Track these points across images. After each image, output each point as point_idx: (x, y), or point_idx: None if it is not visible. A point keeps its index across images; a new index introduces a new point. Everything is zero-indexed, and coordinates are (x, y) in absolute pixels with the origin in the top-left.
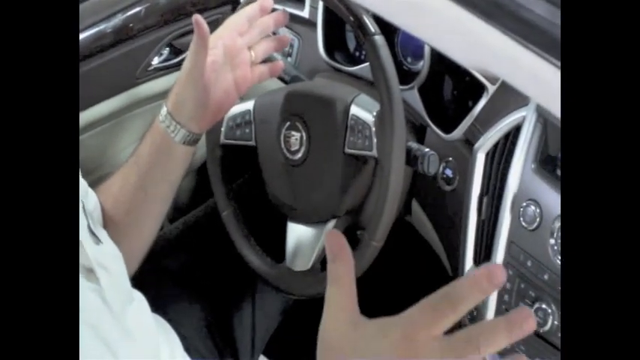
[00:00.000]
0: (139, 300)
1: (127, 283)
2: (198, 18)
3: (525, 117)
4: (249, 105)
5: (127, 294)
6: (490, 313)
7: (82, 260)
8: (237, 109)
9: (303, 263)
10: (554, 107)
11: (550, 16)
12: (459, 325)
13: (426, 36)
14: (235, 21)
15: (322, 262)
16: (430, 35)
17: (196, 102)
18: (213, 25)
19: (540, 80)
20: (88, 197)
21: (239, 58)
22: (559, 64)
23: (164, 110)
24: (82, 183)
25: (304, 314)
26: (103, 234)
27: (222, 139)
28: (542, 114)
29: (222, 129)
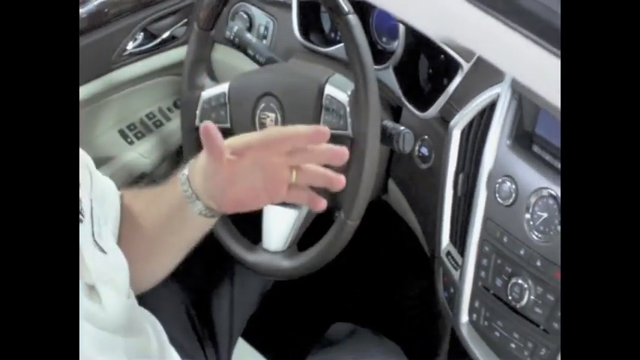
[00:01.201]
0: (132, 299)
1: (131, 296)
2: (209, 127)
3: (500, 94)
4: (224, 87)
5: (128, 309)
6: (467, 290)
7: (83, 277)
8: (212, 91)
9: (279, 244)
10: (524, 77)
11: None
12: (436, 301)
13: (395, 8)
14: (276, 137)
15: (299, 243)
16: (399, 7)
17: (211, 191)
18: (189, 10)
19: (509, 50)
20: (105, 200)
21: (275, 174)
22: (527, 33)
23: (185, 173)
24: (104, 182)
25: (283, 296)
26: (109, 243)
27: (198, 122)
28: (516, 90)
29: (198, 112)
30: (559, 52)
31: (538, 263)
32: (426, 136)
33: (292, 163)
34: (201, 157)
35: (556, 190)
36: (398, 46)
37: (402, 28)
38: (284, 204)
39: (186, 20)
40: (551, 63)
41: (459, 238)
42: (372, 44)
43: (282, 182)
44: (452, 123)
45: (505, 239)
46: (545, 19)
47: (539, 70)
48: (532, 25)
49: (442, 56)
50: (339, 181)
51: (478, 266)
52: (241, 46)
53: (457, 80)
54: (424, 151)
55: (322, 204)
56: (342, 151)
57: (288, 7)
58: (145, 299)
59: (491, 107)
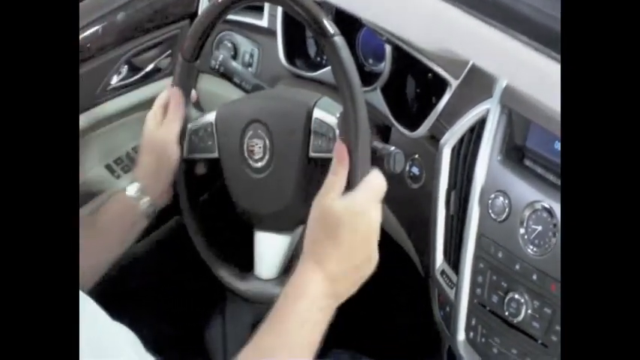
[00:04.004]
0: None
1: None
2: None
3: (489, 109)
4: (210, 117)
5: None
6: (463, 308)
7: None
8: (199, 121)
9: (271, 271)
10: (521, 82)
11: None
12: (432, 322)
13: (387, 22)
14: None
15: (290, 270)
16: (393, 20)
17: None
18: (173, 41)
19: (507, 57)
20: None
21: None
22: (525, 39)
23: (135, 187)
24: None
25: None
26: None
27: (186, 154)
28: (506, 104)
29: (185, 143)
30: (558, 57)
31: (534, 277)
32: (416, 156)
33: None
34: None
35: (549, 203)
36: (385, 66)
37: (388, 49)
38: (275, 230)
39: (170, 51)
40: (550, 68)
41: (453, 256)
42: (359, 66)
43: None
44: (442, 141)
45: (500, 255)
46: (542, 24)
47: (537, 75)
48: (529, 31)
49: (430, 74)
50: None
51: (473, 283)
52: (227, 75)
53: (446, 98)
54: (415, 170)
55: None
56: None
57: (273, 33)
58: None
59: (481, 123)
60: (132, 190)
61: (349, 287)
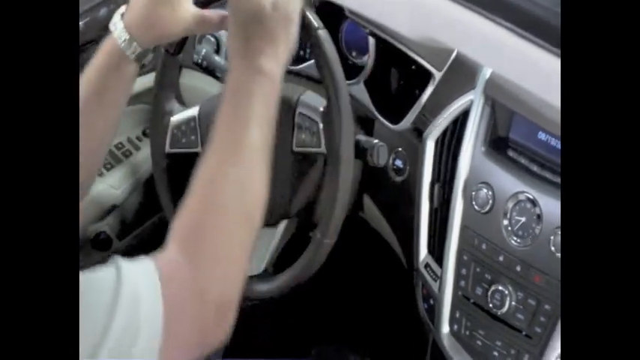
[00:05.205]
0: None
1: None
2: None
3: (473, 100)
4: (193, 111)
5: None
6: (447, 300)
7: None
8: (182, 116)
9: (255, 267)
10: (506, 71)
11: None
12: (417, 315)
13: (371, 10)
14: None
15: (275, 265)
16: (375, 8)
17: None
18: None
19: (489, 42)
20: None
21: None
22: (507, 24)
23: (124, 34)
24: None
25: (261, 317)
26: None
27: (168, 148)
28: (490, 95)
29: (167, 138)
30: (545, 45)
31: (518, 268)
32: (399, 148)
33: None
34: None
35: (533, 194)
36: (368, 59)
37: (371, 41)
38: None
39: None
40: (537, 56)
41: (437, 249)
42: (343, 59)
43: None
44: (425, 133)
45: (483, 247)
46: (530, 12)
47: (523, 63)
48: (516, 18)
49: (413, 67)
50: None
51: (457, 276)
52: (210, 69)
53: (429, 90)
54: (398, 163)
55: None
56: None
57: None
58: None
59: (464, 115)
60: (121, 37)
61: (276, 42)
